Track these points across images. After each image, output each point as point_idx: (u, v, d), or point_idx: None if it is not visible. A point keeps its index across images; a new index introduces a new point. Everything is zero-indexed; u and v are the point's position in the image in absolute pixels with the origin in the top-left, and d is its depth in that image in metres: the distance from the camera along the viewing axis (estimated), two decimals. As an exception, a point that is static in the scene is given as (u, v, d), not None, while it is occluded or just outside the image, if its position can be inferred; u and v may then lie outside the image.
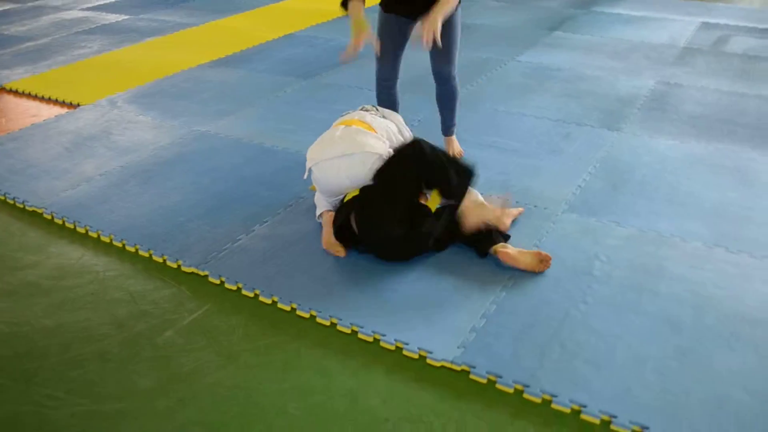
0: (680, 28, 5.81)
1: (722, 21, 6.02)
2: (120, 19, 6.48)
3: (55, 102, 4.35)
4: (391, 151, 2.54)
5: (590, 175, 3.19)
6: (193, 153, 3.48)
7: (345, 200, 2.62)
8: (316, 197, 2.78)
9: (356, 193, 2.57)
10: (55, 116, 4.06)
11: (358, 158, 2.52)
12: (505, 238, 2.55)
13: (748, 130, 3.69)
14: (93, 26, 6.25)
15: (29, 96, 4.48)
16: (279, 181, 3.14)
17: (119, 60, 5.16)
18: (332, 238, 2.56)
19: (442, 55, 3.02)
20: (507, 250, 2.45)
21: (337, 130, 2.66)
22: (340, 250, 2.54)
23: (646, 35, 5.58)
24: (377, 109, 2.89)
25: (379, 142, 2.58)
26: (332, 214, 2.64)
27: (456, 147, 3.36)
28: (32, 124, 3.93)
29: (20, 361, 2.09)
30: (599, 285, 2.40)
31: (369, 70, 2.78)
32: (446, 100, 3.24)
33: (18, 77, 4.80)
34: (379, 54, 3.00)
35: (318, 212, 2.72)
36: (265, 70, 4.79)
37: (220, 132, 3.73)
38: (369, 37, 2.71)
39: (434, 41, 2.56)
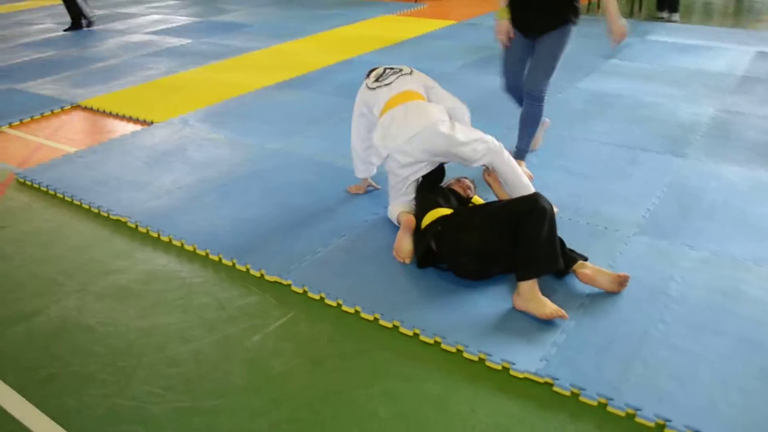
0: (736, 56, 5.81)
1: (780, 51, 6.01)
2: (183, 43, 6.72)
3: (129, 119, 4.54)
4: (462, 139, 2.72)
5: (659, 199, 3.21)
6: (267, 169, 3.60)
7: (425, 222, 2.64)
8: (390, 201, 2.94)
9: (438, 214, 2.62)
10: (131, 132, 4.23)
11: (429, 131, 2.72)
12: (583, 258, 2.57)
13: (815, 159, 3.68)
14: (158, 49, 6.50)
15: (104, 113, 4.68)
16: (353, 198, 3.23)
17: (187, 81, 5.36)
18: (409, 245, 2.65)
19: (540, 70, 3.23)
20: (586, 270, 2.48)
21: (398, 110, 2.81)
22: (407, 259, 2.64)
23: (703, 63, 5.59)
24: (401, 69, 3.07)
25: (437, 109, 2.83)
26: (411, 218, 2.73)
27: (526, 171, 3.36)
28: (110, 140, 4.11)
29: (117, 358, 2.19)
30: (677, 305, 2.42)
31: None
32: (530, 120, 3.39)
33: (92, 95, 5.02)
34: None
35: (394, 213, 2.86)
36: (328, 92, 4.93)
37: (291, 150, 3.85)
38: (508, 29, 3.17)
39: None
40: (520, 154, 3.45)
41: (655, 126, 4.16)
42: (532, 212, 2.37)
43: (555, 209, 2.48)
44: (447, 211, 2.61)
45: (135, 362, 2.17)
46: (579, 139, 3.95)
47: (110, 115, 4.64)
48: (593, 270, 2.48)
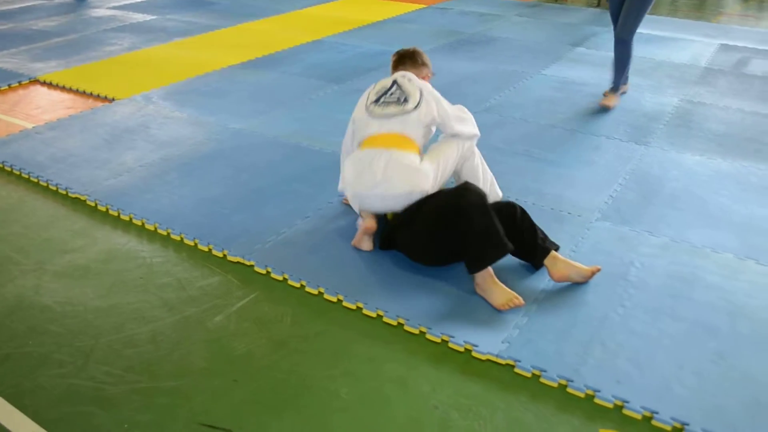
0: (701, 48, 5.91)
1: (740, 43, 6.12)
2: (147, 19, 6.58)
3: (90, 95, 4.43)
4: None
5: (621, 186, 3.25)
6: (231, 149, 3.55)
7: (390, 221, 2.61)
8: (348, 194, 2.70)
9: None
10: (92, 109, 4.13)
11: (406, 196, 2.50)
12: (555, 247, 2.53)
13: (773, 150, 3.77)
14: (121, 24, 6.34)
15: (63, 89, 4.56)
16: (318, 179, 3.20)
17: (150, 58, 5.25)
18: (367, 242, 2.61)
19: (629, 20, 4.03)
20: (559, 267, 2.44)
21: (380, 156, 2.51)
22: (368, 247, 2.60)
23: (668, 54, 5.67)
24: (407, 98, 2.63)
25: (425, 174, 2.50)
26: (373, 224, 2.58)
27: (614, 102, 4.30)
28: (69, 116, 4.01)
29: (75, 338, 2.15)
30: (636, 290, 2.46)
31: None
32: (621, 58, 4.20)
33: (51, 70, 4.88)
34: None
35: (356, 208, 2.69)
36: (296, 73, 4.87)
37: (256, 130, 3.81)
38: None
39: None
40: (614, 89, 4.34)
41: (620, 114, 4.21)
42: (459, 208, 2.35)
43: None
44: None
45: (93, 342, 2.13)
46: (544, 125, 3.98)
47: (70, 90, 4.52)
48: (566, 266, 2.45)
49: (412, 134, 2.60)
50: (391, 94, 2.65)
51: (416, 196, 2.50)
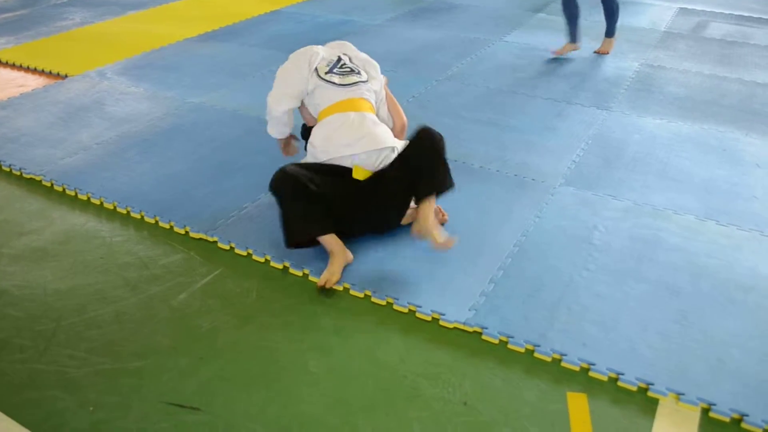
0: (659, 12, 5.95)
1: (699, 7, 6.17)
2: (100, -8, 6.36)
3: (41, 72, 4.28)
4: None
5: (584, 151, 3.27)
6: (190, 124, 3.47)
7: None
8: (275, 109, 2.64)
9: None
10: (44, 86, 4.00)
11: (389, 150, 2.46)
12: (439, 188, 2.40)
13: (731, 112, 3.82)
14: (73, -2, 6.13)
15: (13, 66, 4.40)
16: (279, 153, 3.14)
17: (103, 32, 5.09)
18: (337, 277, 2.30)
19: None
20: (418, 215, 2.33)
21: (354, 117, 2.47)
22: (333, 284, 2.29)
23: (627, 19, 5.67)
24: (358, 71, 2.65)
25: (390, 134, 2.54)
26: (347, 257, 2.36)
27: (611, 47, 4.66)
28: (21, 94, 3.87)
29: (35, 322, 2.10)
30: (599, 253, 2.49)
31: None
32: (610, 12, 4.52)
33: (0, 47, 4.70)
34: None
35: (276, 132, 2.69)
36: (255, 44, 4.77)
37: (215, 104, 3.73)
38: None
39: None
40: (609, 33, 4.64)
41: (581, 80, 4.23)
42: (422, 142, 2.38)
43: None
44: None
45: (54, 326, 2.07)
46: (506, 92, 3.98)
47: (20, 68, 4.36)
48: (424, 222, 2.30)
49: (371, 100, 2.62)
50: (342, 68, 2.61)
51: (392, 155, 2.46)
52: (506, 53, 4.69)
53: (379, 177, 2.42)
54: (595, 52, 4.67)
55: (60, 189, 2.86)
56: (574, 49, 4.58)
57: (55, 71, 4.24)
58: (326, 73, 2.58)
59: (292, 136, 2.83)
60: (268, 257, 2.40)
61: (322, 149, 2.46)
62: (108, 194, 2.79)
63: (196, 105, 3.71)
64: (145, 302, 2.19)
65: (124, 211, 2.69)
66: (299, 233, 2.32)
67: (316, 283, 2.29)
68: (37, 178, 2.94)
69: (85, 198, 2.79)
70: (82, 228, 2.60)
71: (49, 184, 2.90)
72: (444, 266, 2.37)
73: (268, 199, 2.77)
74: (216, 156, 3.13)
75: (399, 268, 2.36)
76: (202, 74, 4.19)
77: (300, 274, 2.34)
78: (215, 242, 2.50)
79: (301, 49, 2.69)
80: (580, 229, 2.63)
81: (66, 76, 4.17)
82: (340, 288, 2.27)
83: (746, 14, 6.00)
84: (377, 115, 2.62)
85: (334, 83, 2.56)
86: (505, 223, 2.63)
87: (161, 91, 3.91)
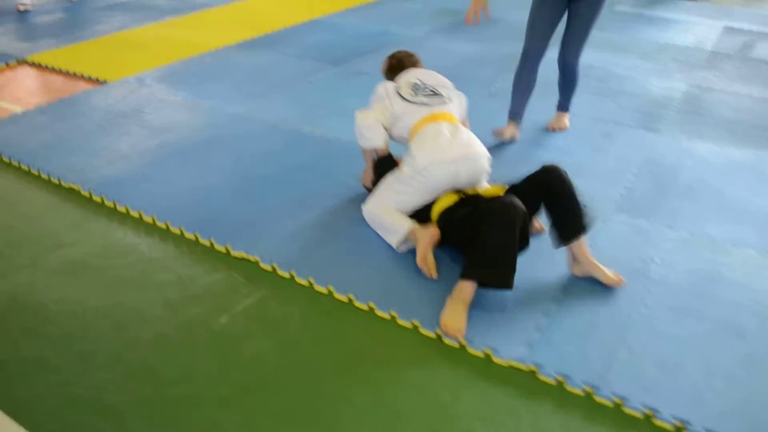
0: (704, 31, 5.79)
1: (745, 26, 6.01)
2: (138, -4, 6.36)
3: (81, 77, 4.26)
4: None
5: (635, 176, 3.15)
6: (229, 135, 3.41)
7: (435, 213, 2.47)
8: (384, 213, 2.54)
9: (446, 203, 2.46)
10: (83, 92, 3.97)
11: (476, 162, 2.50)
12: (583, 226, 2.34)
13: (787, 138, 3.68)
14: (111, 2, 6.13)
15: (53, 70, 4.38)
16: (322, 168, 3.08)
17: (142, 38, 5.07)
18: (431, 256, 2.36)
19: (577, 42, 3.28)
20: (581, 261, 2.34)
21: (447, 126, 2.54)
22: (433, 271, 2.34)
23: (672, 36, 5.56)
24: (440, 93, 2.70)
25: (483, 147, 2.58)
26: (431, 232, 2.36)
27: (567, 122, 3.64)
28: (60, 99, 3.85)
29: (73, 341, 2.03)
30: (657, 288, 2.37)
31: None
32: (569, 84, 3.51)
33: (40, 50, 4.70)
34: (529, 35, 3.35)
35: (401, 233, 2.45)
36: (294, 54, 4.71)
37: (254, 115, 3.66)
38: (485, 8, 2.90)
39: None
40: (564, 107, 3.64)
41: (628, 99, 4.10)
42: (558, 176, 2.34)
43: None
44: (452, 199, 2.46)
45: (92, 346, 2.00)
46: (552, 111, 3.86)
47: (60, 72, 4.35)
48: (590, 265, 2.33)
49: (456, 116, 2.70)
50: (425, 91, 2.68)
51: (487, 166, 2.56)
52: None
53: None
54: (549, 128, 3.65)
55: (99, 200, 2.81)
56: (513, 134, 3.50)
57: (94, 76, 4.21)
58: (410, 95, 2.66)
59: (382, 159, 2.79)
60: (311, 280, 2.31)
61: (422, 156, 2.46)
62: (147, 207, 2.73)
63: (235, 116, 3.65)
64: (185, 324, 2.11)
65: (164, 226, 2.63)
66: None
67: (361, 309, 2.20)
68: (76, 188, 2.89)
69: (123, 210, 2.73)
70: (121, 242, 2.54)
71: (87, 194, 2.84)
72: (496, 298, 2.26)
73: (311, 216, 2.69)
74: (256, 170, 3.06)
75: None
76: (240, 83, 4.13)
77: (345, 299, 2.25)
78: (257, 262, 2.42)
79: (380, 87, 2.76)
80: (635, 260, 2.52)
81: (105, 81, 4.13)
82: (387, 316, 2.17)
83: (795, 35, 5.83)
84: None
85: (420, 103, 2.63)
86: (558, 252, 2.52)
87: (200, 100, 3.86)
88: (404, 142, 2.68)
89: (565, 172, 2.34)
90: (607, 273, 2.31)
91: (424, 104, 2.63)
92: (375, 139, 2.64)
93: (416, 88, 2.69)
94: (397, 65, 2.89)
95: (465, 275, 2.18)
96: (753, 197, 3.02)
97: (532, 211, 2.37)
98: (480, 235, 2.18)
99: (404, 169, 2.52)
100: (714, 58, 5.03)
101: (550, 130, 3.61)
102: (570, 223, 2.32)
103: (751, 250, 2.63)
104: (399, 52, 2.95)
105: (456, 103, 2.73)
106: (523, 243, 2.24)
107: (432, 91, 2.68)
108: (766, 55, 5.19)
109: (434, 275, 2.33)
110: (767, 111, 4.06)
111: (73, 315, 2.13)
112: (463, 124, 2.75)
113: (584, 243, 2.33)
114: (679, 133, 3.67)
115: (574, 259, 2.35)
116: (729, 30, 5.85)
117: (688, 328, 2.18)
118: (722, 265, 2.53)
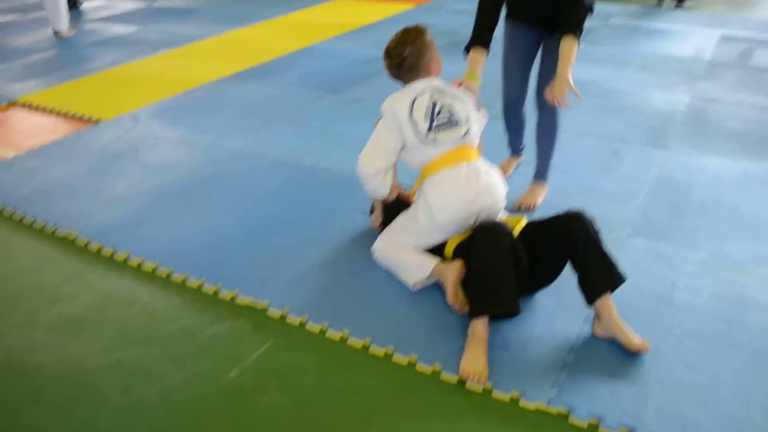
0: (701, 40, 5.74)
1: (741, 34, 5.97)
2: (129, 31, 6.31)
3: (74, 117, 4.17)
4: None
5: (648, 196, 3.06)
6: (229, 172, 3.31)
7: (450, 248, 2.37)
8: (399, 253, 2.41)
9: (461, 237, 2.36)
10: (77, 132, 3.88)
11: (495, 206, 2.36)
12: (619, 280, 2.15)
13: (797, 148, 3.60)
14: (102, 38, 6.08)
15: (44, 110, 4.30)
16: (328, 204, 2.98)
17: (135, 73, 4.99)
18: (461, 292, 2.26)
19: (553, 76, 2.76)
20: (602, 321, 2.13)
21: (465, 169, 2.33)
22: (466, 307, 2.20)
23: (670, 48, 5.51)
24: (444, 94, 2.43)
25: (502, 182, 2.43)
26: (457, 267, 2.24)
27: (541, 198, 2.99)
28: (53, 141, 3.76)
29: (76, 406, 1.91)
30: (683, 316, 2.27)
31: (396, 84, 2.59)
32: (547, 131, 2.92)
33: (30, 90, 4.62)
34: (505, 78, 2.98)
35: (424, 271, 2.33)
36: (290, 84, 4.64)
37: (253, 149, 3.57)
38: (474, 92, 2.56)
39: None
40: (541, 174, 3.01)
41: (632, 115, 4.03)
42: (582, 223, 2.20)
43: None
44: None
45: (95, 411, 1.89)
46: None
47: (52, 112, 4.26)
48: (615, 326, 2.10)
49: (475, 143, 2.47)
50: (439, 113, 2.38)
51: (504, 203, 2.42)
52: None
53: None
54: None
55: (96, 248, 2.70)
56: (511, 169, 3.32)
57: (87, 116, 4.13)
58: (428, 130, 2.36)
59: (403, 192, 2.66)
60: (325, 326, 2.21)
61: (441, 212, 2.31)
62: (147, 253, 2.63)
63: (233, 151, 3.56)
64: (193, 380, 2.00)
65: (165, 273, 2.52)
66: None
67: (377, 355, 2.09)
68: (72, 236, 2.78)
69: (122, 258, 2.63)
70: (121, 293, 2.43)
71: (83, 243, 2.74)
72: (518, 336, 2.16)
73: (320, 256, 2.59)
74: (259, 208, 2.96)
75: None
76: (237, 116, 4.05)
77: (359, 345, 2.14)
78: (265, 308, 2.31)
79: (387, 108, 2.42)
80: (658, 286, 2.42)
81: (98, 120, 4.05)
82: (405, 362, 2.07)
83: (793, 41, 5.78)
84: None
85: (435, 142, 2.37)
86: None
87: (197, 135, 3.77)
88: (415, 169, 2.48)
89: (592, 221, 2.17)
90: (632, 338, 2.06)
91: (442, 142, 2.36)
92: (379, 191, 2.46)
93: (431, 113, 2.37)
94: (406, 66, 2.49)
95: (470, 313, 2.09)
96: (770, 212, 2.94)
97: (550, 256, 2.23)
98: (472, 268, 2.12)
99: (420, 219, 2.37)
100: (714, 68, 4.97)
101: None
102: (593, 279, 2.13)
103: (775, 270, 2.53)
104: (404, 49, 2.47)
105: (476, 128, 2.46)
106: (519, 263, 2.13)
107: (449, 117, 2.38)
108: (765, 63, 5.13)
109: (466, 311, 2.21)
110: (775, 120, 3.98)
111: (74, 377, 2.02)
112: (479, 145, 2.54)
113: (609, 301, 2.12)
114: (688, 147, 3.59)
115: (597, 317, 2.15)
116: (726, 38, 5.80)
117: (719, 358, 2.08)
118: (747, 286, 2.43)
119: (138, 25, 6.48)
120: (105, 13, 7.12)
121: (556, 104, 2.49)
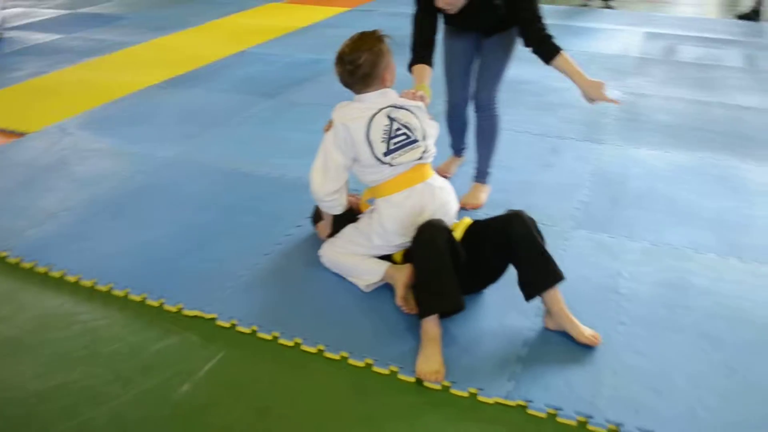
0: (628, 38, 5.93)
1: (665, 31, 6.19)
2: (51, 39, 6.07)
3: (-4, 130, 3.97)
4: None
5: (588, 189, 3.13)
6: (163, 182, 3.21)
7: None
8: (347, 259, 2.40)
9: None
10: (1, 146, 3.69)
11: (446, 218, 2.30)
12: (557, 278, 2.14)
13: (723, 138, 3.75)
14: (23, 47, 5.83)
15: (-36, 125, 4.07)
16: (269, 209, 2.92)
17: (59, 83, 4.80)
18: (410, 295, 2.22)
19: (492, 78, 2.83)
20: (552, 314, 2.14)
21: (422, 191, 2.30)
22: (414, 310, 2.18)
23: (598, 45, 5.67)
24: (413, 135, 2.33)
25: (454, 198, 2.44)
26: (407, 271, 2.21)
27: (484, 197, 3.00)
28: (-25, 157, 3.56)
29: (16, 432, 1.81)
30: (630, 304, 2.32)
31: (335, 87, 2.52)
32: (487, 132, 2.94)
33: (-53, 105, 4.37)
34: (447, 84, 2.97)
35: (376, 275, 2.33)
36: (225, 89, 4.54)
37: (188, 158, 3.48)
38: (426, 104, 2.46)
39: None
40: (482, 176, 3.02)
41: (567, 112, 4.11)
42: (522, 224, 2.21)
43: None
44: None
45: (39, 436, 1.79)
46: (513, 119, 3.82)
47: (-28, 126, 4.05)
48: (566, 319, 2.12)
49: (430, 160, 2.41)
50: (397, 131, 2.29)
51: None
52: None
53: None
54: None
55: (28, 266, 2.57)
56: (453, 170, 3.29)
57: (11, 128, 3.93)
58: (385, 153, 2.28)
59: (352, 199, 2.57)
60: (276, 334, 2.16)
61: (396, 234, 2.30)
62: (84, 269, 2.51)
63: (167, 160, 3.45)
64: (143, 398, 1.92)
65: (105, 289, 2.41)
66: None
67: (332, 359, 2.05)
68: (2, 255, 2.64)
69: (58, 275, 2.50)
70: (58, 312, 2.31)
71: (15, 261, 2.60)
72: (471, 333, 2.16)
73: (266, 263, 2.53)
74: (198, 218, 2.87)
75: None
76: (169, 125, 3.94)
77: (314, 350, 2.10)
78: (213, 319, 2.24)
79: (339, 123, 2.30)
80: (603, 277, 2.47)
81: (24, 133, 3.86)
82: (362, 364, 2.04)
83: (712, 36, 6.04)
84: None
85: (392, 163, 2.29)
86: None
87: (128, 145, 3.64)
88: (366, 184, 2.42)
89: (531, 220, 2.17)
90: (582, 330, 2.09)
91: (399, 164, 2.29)
92: (335, 208, 2.40)
93: (388, 134, 2.28)
94: (359, 74, 2.32)
95: (420, 314, 2.09)
96: (703, 200, 3.04)
97: (493, 255, 2.24)
98: (414, 268, 2.14)
99: (374, 239, 2.32)
100: (642, 64, 5.14)
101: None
102: (531, 278, 2.15)
103: (711, 254, 2.63)
104: (359, 56, 2.30)
105: (430, 141, 2.39)
106: (457, 258, 2.13)
107: (406, 133, 2.29)
108: (690, 58, 5.34)
109: (415, 312, 2.18)
110: (702, 112, 4.14)
111: (15, 402, 1.91)
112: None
113: (557, 294, 2.13)
114: (622, 141, 3.69)
115: (548, 311, 2.17)
116: (651, 35, 6.01)
117: (667, 343, 2.14)
118: (687, 272, 2.51)
119: (61, 33, 6.23)
120: (25, 21, 6.82)
121: (608, 103, 2.63)
